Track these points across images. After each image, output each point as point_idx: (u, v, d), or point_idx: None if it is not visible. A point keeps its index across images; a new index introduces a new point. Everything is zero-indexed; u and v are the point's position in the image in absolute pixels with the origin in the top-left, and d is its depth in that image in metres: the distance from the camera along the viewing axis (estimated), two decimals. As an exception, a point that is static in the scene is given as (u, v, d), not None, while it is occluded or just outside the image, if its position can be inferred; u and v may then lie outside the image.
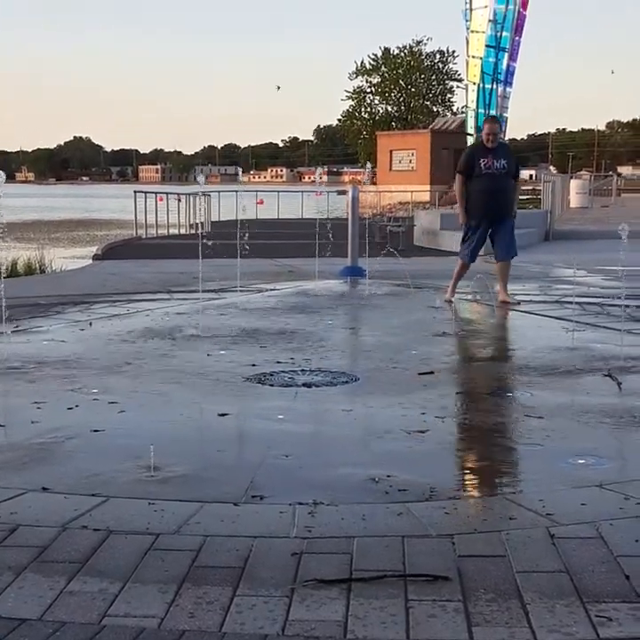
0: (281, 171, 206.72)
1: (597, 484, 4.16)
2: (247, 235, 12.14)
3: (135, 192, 25.63)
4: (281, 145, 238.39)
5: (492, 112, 23.02)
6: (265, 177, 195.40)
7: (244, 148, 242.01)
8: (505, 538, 3.48)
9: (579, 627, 2.81)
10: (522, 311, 9.93)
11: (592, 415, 5.46)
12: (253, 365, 6.88)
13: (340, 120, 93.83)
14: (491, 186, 10.39)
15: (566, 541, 3.44)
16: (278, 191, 42.09)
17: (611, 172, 73.11)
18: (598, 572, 3.18)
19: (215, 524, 3.64)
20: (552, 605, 2.94)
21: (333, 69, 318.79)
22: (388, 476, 4.26)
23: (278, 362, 7.03)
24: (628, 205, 42.25)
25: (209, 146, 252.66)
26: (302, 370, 6.74)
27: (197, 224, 27.08)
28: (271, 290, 11.73)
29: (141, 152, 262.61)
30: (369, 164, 43.02)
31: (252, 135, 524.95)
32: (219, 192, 32.46)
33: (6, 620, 2.87)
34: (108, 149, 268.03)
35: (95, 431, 5.12)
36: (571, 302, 9.74)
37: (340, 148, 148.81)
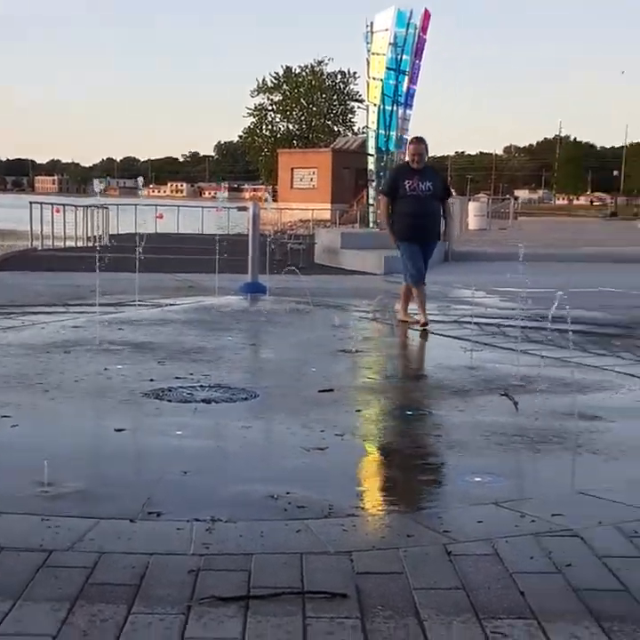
0: (181, 185, 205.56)
1: (493, 502, 4.21)
2: (146, 248, 12.01)
3: (31, 203, 25.23)
4: (181, 160, 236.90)
5: (393, 133, 23.33)
6: (165, 191, 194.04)
7: (144, 161, 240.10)
8: (403, 555, 3.49)
9: (475, 643, 2.83)
10: (421, 330, 10.02)
11: (489, 434, 5.52)
12: (151, 380, 6.80)
13: (241, 137, 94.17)
14: (415, 208, 10.19)
15: (463, 558, 3.47)
16: (178, 206, 41.87)
17: (508, 196, 74.54)
18: (494, 588, 3.21)
19: (111, 541, 3.57)
20: (449, 622, 2.96)
21: (235, 85, 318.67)
22: (288, 493, 4.24)
23: (177, 377, 6.96)
24: (524, 228, 43.12)
25: (108, 158, 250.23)
26: (201, 386, 6.69)
27: (95, 237, 26.78)
28: (171, 305, 11.62)
29: (38, 162, 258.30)
30: (270, 186, 43.05)
31: (152, 149, 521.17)
32: (117, 205, 32.14)
33: None
34: (3, 159, 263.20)
35: (-13, 446, 4.99)
36: (469, 322, 9.87)
37: (241, 164, 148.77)
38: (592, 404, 6.21)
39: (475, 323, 9.78)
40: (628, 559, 3.49)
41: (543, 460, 5.09)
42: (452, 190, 11.67)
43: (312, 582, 3.23)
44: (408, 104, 24.38)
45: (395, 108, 23.89)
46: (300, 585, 3.21)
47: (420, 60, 24.44)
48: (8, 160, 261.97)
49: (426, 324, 10.08)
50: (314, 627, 2.91)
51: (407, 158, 10.60)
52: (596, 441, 5.36)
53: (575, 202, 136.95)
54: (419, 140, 10.63)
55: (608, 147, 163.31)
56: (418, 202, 10.21)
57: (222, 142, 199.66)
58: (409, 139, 10.69)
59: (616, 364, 7.96)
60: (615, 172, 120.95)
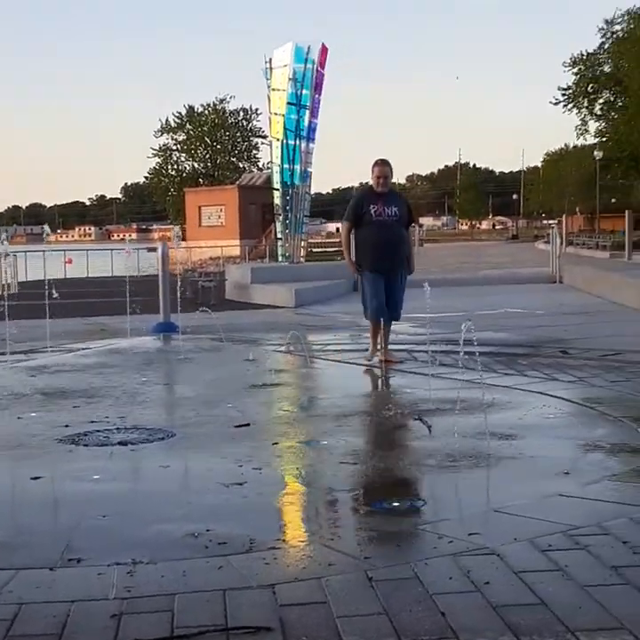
0: (89, 229, 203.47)
1: (412, 526, 4.28)
2: (57, 294, 11.92)
3: None
4: (88, 203, 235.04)
5: (297, 167, 23.53)
6: (73, 236, 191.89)
7: (51, 207, 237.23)
8: (325, 584, 3.52)
9: (399, 666, 2.87)
10: (334, 360, 10.10)
11: (404, 458, 5.59)
12: (66, 426, 6.73)
13: (147, 177, 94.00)
14: (382, 235, 9.47)
15: (384, 583, 3.51)
16: (87, 250, 41.56)
17: (413, 224, 75.50)
18: (415, 611, 3.26)
19: (30, 591, 3.53)
20: (372, 647, 2.99)
21: (138, 126, 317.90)
22: (208, 531, 4.24)
23: (92, 421, 6.90)
24: (429, 255, 43.74)
25: (13, 206, 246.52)
26: (117, 428, 6.64)
27: (3, 285, 26.40)
28: (83, 349, 11.52)
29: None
30: (178, 226, 42.94)
31: (58, 194, 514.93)
32: (25, 252, 31.78)
33: None
34: None
35: None
36: (379, 349, 9.95)
37: (148, 205, 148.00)
38: (503, 423, 6.34)
39: (386, 350, 9.86)
40: (544, 573, 3.58)
41: (458, 480, 5.19)
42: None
43: (236, 618, 3.24)
44: (310, 138, 24.63)
45: (297, 142, 24.11)
46: (224, 621, 3.22)
47: (319, 95, 24.72)
48: None
49: (384, 360, 9.53)
50: (239, 662, 2.92)
51: (371, 182, 9.84)
52: (508, 459, 5.47)
53: (478, 226, 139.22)
54: (383, 162, 9.81)
55: (506, 171, 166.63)
56: (384, 228, 9.53)
57: (128, 184, 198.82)
58: (373, 161, 9.66)
59: (523, 382, 8.13)
60: (514, 196, 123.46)
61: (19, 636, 3.15)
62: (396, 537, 4.13)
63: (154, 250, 16.36)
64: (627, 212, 35.95)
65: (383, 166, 9.72)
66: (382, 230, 9.51)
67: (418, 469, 5.37)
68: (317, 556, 3.94)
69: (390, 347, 9.90)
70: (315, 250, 54.53)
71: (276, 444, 6.22)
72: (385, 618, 3.21)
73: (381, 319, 9.62)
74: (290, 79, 23.72)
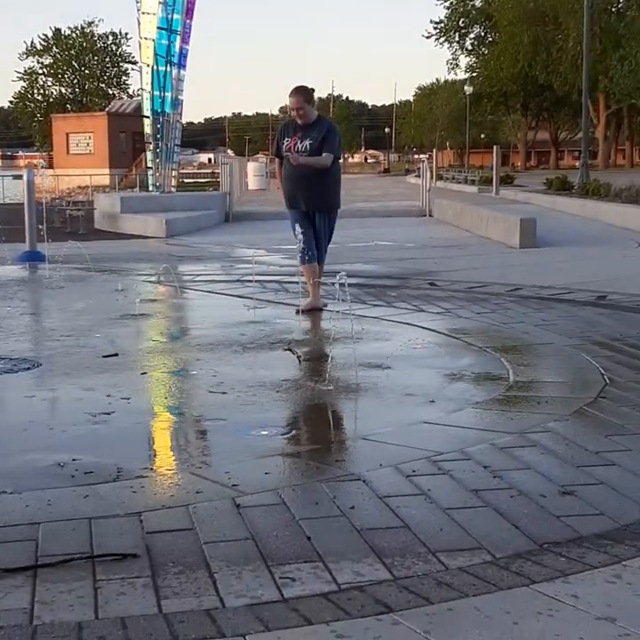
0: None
1: (280, 454, 4.32)
2: None
3: None
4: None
5: (168, 94, 23.11)
6: None
7: None
8: (192, 511, 3.53)
9: (264, 590, 2.90)
10: (204, 291, 10.04)
11: (274, 388, 5.62)
12: None
13: (11, 102, 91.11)
14: (288, 171, 8.56)
15: (251, 510, 3.54)
16: (-52, 176, 40.15)
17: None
18: (282, 536, 3.30)
19: None
20: (239, 572, 3.02)
21: (2, 48, 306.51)
22: (74, 460, 4.20)
23: (-47, 352, 6.73)
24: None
25: None
26: (-20, 359, 6.49)
27: None
28: (-56, 278, 11.18)
29: None
30: (45, 153, 41.84)
31: None
32: None
33: None
34: None
35: None
36: (251, 280, 9.96)
37: (13, 130, 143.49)
38: (371, 354, 6.41)
39: (257, 280, 9.87)
40: (407, 497, 3.66)
41: (327, 409, 5.25)
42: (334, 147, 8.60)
43: (102, 546, 3.22)
44: (182, 64, 24.13)
45: (168, 68, 23.59)
46: (90, 549, 3.20)
47: (190, 20, 24.21)
48: None
49: (314, 308, 8.37)
50: (105, 588, 2.92)
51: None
52: (376, 388, 5.55)
53: (350, 159, 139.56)
54: (294, 91, 8.46)
55: (379, 105, 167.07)
56: (290, 162, 8.49)
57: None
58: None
59: (392, 313, 8.24)
60: (387, 130, 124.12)
61: None
62: (264, 464, 4.15)
63: (19, 177, 15.90)
64: (495, 147, 36.74)
65: (293, 96, 8.45)
66: (288, 164, 8.54)
67: (288, 398, 5.40)
68: (185, 483, 3.95)
69: (258, 278, 9.80)
70: (186, 180, 53.97)
71: (145, 373, 6.18)
72: (251, 543, 3.24)
73: (307, 263, 8.60)
74: (160, 3, 23.11)
